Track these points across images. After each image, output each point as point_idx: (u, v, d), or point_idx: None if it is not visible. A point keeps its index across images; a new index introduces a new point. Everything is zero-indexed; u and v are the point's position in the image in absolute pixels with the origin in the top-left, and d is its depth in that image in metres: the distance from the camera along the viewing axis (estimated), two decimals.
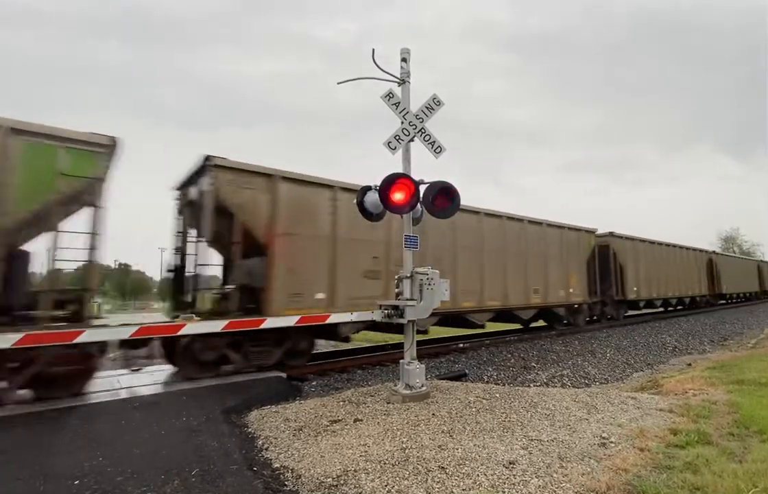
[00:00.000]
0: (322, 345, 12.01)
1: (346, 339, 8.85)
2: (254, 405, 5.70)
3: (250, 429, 4.81)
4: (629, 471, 3.54)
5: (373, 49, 6.30)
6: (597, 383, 8.62)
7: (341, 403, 5.59)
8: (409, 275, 6.01)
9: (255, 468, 3.74)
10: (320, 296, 8.10)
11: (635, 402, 5.59)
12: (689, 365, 9.59)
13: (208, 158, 7.26)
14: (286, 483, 3.50)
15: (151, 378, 7.02)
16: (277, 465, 3.84)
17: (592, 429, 4.51)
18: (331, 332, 8.47)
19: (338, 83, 6.81)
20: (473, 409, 5.16)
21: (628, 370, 9.82)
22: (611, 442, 4.19)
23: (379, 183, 5.82)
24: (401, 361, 5.96)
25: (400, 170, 6.10)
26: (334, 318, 8.15)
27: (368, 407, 5.35)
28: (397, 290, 6.27)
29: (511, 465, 3.64)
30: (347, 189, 8.60)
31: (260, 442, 4.41)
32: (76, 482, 3.44)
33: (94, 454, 3.96)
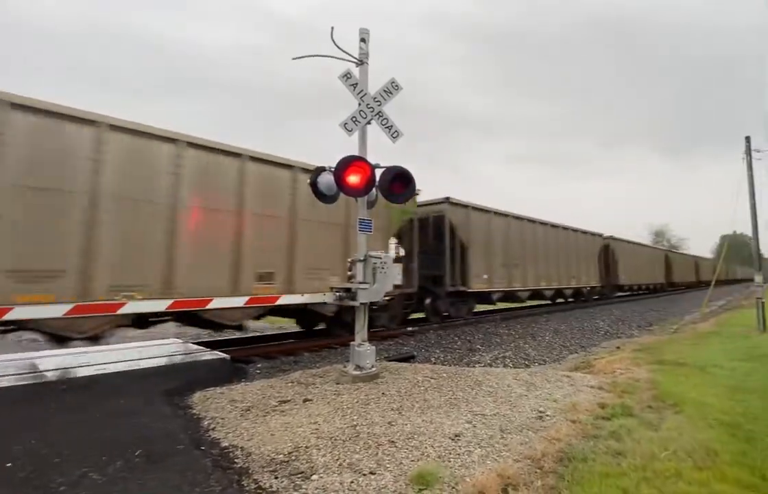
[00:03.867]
0: (260, 327, 11.85)
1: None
2: (197, 387, 5.49)
3: (194, 411, 4.68)
4: (562, 440, 3.85)
5: (332, 27, 6.20)
6: (536, 363, 9.15)
7: (289, 384, 5.59)
8: (362, 258, 6.08)
9: (203, 448, 3.68)
10: None
11: (569, 380, 6.03)
12: (618, 347, 10.40)
13: None
14: (236, 460, 3.47)
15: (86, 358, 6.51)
16: (225, 444, 3.79)
17: (531, 404, 4.84)
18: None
19: (293, 59, 6.67)
20: (421, 388, 5.36)
21: (564, 352, 10.49)
22: (547, 415, 4.52)
23: (333, 165, 5.81)
24: (352, 343, 6.04)
25: (355, 152, 6.11)
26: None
27: (317, 388, 5.39)
28: (349, 273, 6.31)
29: (457, 438, 3.85)
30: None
31: (206, 423, 4.31)
32: (8, 464, 3.22)
33: (24, 438, 3.70)
